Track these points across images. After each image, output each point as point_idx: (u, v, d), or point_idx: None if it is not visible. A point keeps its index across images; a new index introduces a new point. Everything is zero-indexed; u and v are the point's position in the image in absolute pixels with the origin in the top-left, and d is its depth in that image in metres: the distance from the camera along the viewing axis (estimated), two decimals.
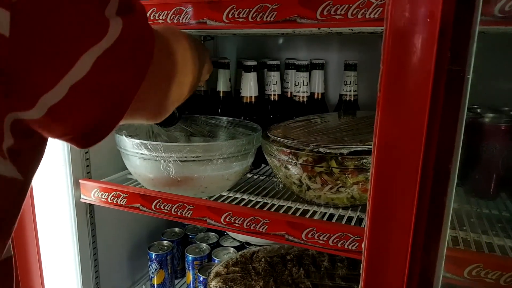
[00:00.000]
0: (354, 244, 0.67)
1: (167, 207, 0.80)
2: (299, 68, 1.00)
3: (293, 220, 0.71)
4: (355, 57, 1.07)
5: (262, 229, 0.73)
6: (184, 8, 0.70)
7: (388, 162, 0.47)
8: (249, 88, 1.00)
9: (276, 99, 1.04)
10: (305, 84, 1.01)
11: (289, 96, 1.07)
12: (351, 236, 0.66)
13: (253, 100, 1.01)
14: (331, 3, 0.60)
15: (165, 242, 1.06)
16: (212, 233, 1.11)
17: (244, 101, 1.02)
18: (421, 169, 0.46)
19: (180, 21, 0.71)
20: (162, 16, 0.72)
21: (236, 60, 1.19)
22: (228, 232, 1.09)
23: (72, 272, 0.93)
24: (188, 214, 0.79)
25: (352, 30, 0.84)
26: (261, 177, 1.00)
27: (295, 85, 1.02)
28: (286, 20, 0.63)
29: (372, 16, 0.59)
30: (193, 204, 0.78)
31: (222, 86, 1.08)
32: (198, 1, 0.68)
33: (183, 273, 1.12)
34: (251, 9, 0.65)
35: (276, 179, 0.98)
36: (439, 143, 0.45)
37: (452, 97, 0.45)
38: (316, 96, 1.04)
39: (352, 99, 1.01)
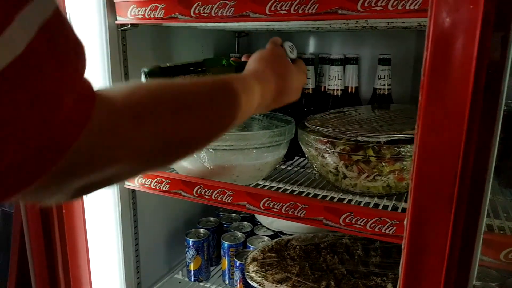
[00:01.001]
0: (392, 229, 0.69)
1: (208, 193, 0.84)
2: (333, 62, 1.03)
3: (331, 205, 0.73)
4: (387, 53, 1.09)
5: (300, 214, 0.76)
6: (228, 2, 0.73)
7: (430, 148, 0.49)
8: None
9: (311, 92, 1.06)
10: (339, 78, 1.03)
11: (323, 90, 1.10)
12: (389, 220, 0.69)
13: None
14: None
15: (201, 230, 1.10)
16: (246, 223, 1.14)
17: None
18: (462, 156, 0.48)
19: (224, 14, 0.74)
20: (207, 10, 0.76)
21: None
22: (262, 222, 1.13)
23: (115, 256, 0.97)
24: (228, 200, 0.83)
25: (388, 23, 0.87)
26: (295, 169, 1.03)
27: (329, 78, 1.04)
28: (327, 11, 0.66)
29: (412, 7, 0.61)
30: (233, 190, 0.82)
31: None
32: None
33: (217, 261, 1.16)
34: (293, 2, 0.68)
35: (310, 170, 1.01)
36: (479, 131, 0.47)
37: (492, 89, 0.47)
38: (350, 90, 1.06)
39: (386, 93, 1.03)
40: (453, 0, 0.44)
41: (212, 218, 1.16)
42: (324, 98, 1.07)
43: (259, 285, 0.83)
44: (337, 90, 1.04)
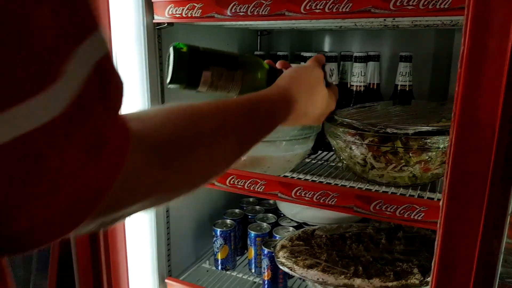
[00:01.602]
0: (420, 215, 0.73)
1: (241, 183, 0.89)
2: (356, 59, 1.07)
3: (362, 193, 0.77)
4: (406, 50, 1.13)
5: (332, 202, 0.80)
6: (264, 2, 0.78)
7: (466, 134, 0.54)
8: None
9: None
10: (362, 75, 1.07)
11: (344, 86, 1.14)
12: (417, 207, 0.73)
13: None
14: None
15: (228, 221, 1.14)
16: (270, 214, 1.19)
17: None
18: (496, 142, 0.52)
19: (260, 13, 0.79)
20: (243, 9, 0.80)
21: (289, 54, 1.27)
22: (286, 213, 1.17)
23: (149, 246, 1.02)
24: (260, 189, 0.87)
25: (412, 22, 0.91)
26: (319, 162, 1.08)
27: (352, 75, 1.09)
28: (361, 10, 0.70)
29: (442, 6, 0.65)
30: (265, 179, 0.86)
31: None
32: None
33: (242, 251, 1.20)
34: (327, 1, 0.72)
35: (333, 164, 1.05)
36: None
37: None
38: (371, 86, 1.11)
39: (407, 89, 1.07)
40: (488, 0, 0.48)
41: (237, 210, 1.21)
42: (347, 94, 1.11)
43: (290, 269, 0.87)
44: (360, 86, 1.08)
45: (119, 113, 0.29)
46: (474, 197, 0.54)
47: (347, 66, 1.13)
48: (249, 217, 1.19)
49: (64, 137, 0.24)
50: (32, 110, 0.22)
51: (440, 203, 0.57)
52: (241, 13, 0.81)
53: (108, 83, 0.27)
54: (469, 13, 0.49)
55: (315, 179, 0.93)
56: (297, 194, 0.83)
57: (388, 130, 0.78)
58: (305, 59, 1.06)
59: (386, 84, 1.19)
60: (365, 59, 1.07)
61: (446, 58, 1.16)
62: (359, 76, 1.08)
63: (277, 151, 0.89)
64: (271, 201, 1.27)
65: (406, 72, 1.07)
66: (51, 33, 0.23)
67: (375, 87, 1.11)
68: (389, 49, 1.23)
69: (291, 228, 1.10)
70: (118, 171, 0.28)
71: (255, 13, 0.79)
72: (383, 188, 0.85)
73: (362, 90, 1.09)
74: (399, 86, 1.08)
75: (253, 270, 1.12)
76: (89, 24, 0.25)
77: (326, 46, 1.32)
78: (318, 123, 0.73)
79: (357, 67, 1.07)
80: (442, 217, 0.56)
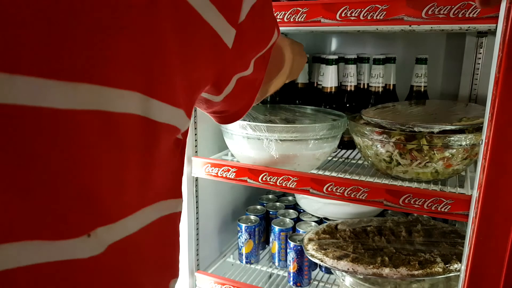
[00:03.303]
0: (447, 207, 0.79)
1: (273, 179, 0.94)
2: (375, 61, 1.13)
3: (391, 188, 0.83)
4: (418, 53, 1.19)
5: (362, 196, 0.86)
6: (300, 9, 0.83)
7: (504, 132, 0.59)
8: (330, 79, 1.13)
9: (353, 89, 1.16)
10: (381, 76, 1.13)
11: (362, 87, 1.20)
12: (444, 200, 0.79)
13: (333, 90, 1.14)
14: (435, 4, 0.72)
15: (252, 217, 1.19)
16: (291, 210, 1.24)
17: (325, 91, 1.15)
18: None
19: (296, 20, 0.84)
20: (280, 16, 0.85)
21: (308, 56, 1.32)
22: (307, 209, 1.22)
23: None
24: (292, 185, 0.92)
25: (431, 27, 0.97)
26: (340, 160, 1.13)
27: (371, 76, 1.14)
28: (394, 18, 0.76)
29: (471, 15, 0.71)
30: (297, 176, 0.91)
31: (301, 78, 1.22)
32: (314, 2, 0.81)
33: (264, 245, 1.25)
34: (362, 9, 0.78)
35: (354, 161, 1.11)
36: None
37: None
38: (388, 87, 1.17)
39: (422, 90, 1.13)
40: None
41: (259, 207, 1.26)
42: (365, 95, 1.17)
43: (321, 261, 0.93)
44: (378, 87, 1.14)
45: None
46: (508, 189, 0.60)
47: (364, 68, 1.19)
48: (270, 213, 1.24)
49: None
50: None
51: (475, 195, 0.62)
52: (278, 19, 0.85)
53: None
54: (508, 24, 0.55)
55: (340, 175, 0.98)
56: (329, 189, 0.89)
57: (416, 128, 0.84)
58: (329, 61, 1.11)
59: (400, 85, 1.25)
60: (383, 61, 1.13)
61: (456, 59, 1.22)
62: (377, 77, 1.13)
63: (307, 149, 0.94)
64: (290, 198, 1.33)
65: (421, 74, 1.13)
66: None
67: (391, 88, 1.17)
68: (403, 51, 1.29)
69: (313, 223, 1.15)
70: None
71: (291, 20, 0.84)
72: (407, 184, 0.91)
73: (380, 91, 1.15)
74: (414, 87, 1.14)
75: (276, 264, 1.17)
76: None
77: (341, 48, 1.37)
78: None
79: (376, 69, 1.13)
80: (479, 207, 0.62)
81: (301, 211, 1.25)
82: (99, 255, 0.29)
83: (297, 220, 1.19)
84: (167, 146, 0.35)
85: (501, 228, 0.62)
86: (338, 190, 0.88)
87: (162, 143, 0.34)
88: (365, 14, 0.78)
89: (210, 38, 0.37)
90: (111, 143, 0.29)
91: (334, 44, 1.39)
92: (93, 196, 0.28)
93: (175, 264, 0.42)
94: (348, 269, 0.90)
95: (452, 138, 0.84)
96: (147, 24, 0.30)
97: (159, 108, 0.32)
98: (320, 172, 1.00)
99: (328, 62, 1.12)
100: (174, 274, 0.42)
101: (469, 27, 0.72)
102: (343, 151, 1.19)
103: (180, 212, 0.42)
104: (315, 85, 1.25)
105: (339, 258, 0.92)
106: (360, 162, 1.09)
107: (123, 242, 0.31)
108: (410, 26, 0.87)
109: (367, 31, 1.21)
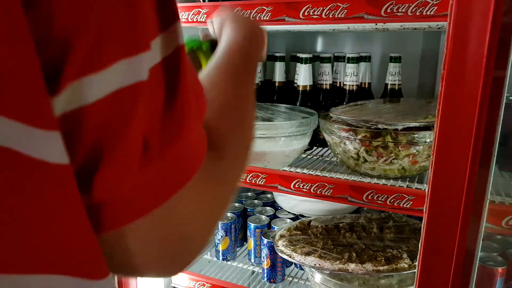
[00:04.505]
0: (409, 203, 0.80)
1: (243, 176, 0.95)
2: (349, 60, 1.14)
3: (356, 184, 0.84)
4: (395, 52, 1.20)
5: (328, 193, 0.87)
6: (265, 8, 0.84)
7: (449, 130, 0.60)
8: (304, 78, 1.14)
9: (328, 88, 1.17)
10: (354, 75, 1.14)
11: (337, 85, 1.20)
12: (406, 196, 0.80)
13: (307, 88, 1.15)
14: (393, 3, 0.73)
15: (228, 214, 1.20)
16: (268, 208, 1.25)
17: (299, 89, 1.16)
18: (474, 136, 0.59)
19: (262, 18, 0.85)
20: (246, 15, 0.86)
21: (286, 54, 1.33)
22: (283, 206, 1.23)
23: None
24: (261, 182, 0.93)
25: (401, 26, 0.98)
26: (315, 157, 1.14)
27: (345, 75, 1.15)
28: (355, 16, 0.77)
29: (428, 13, 0.72)
30: (266, 173, 0.93)
31: (278, 77, 1.23)
32: (278, 1, 0.82)
33: (242, 243, 1.26)
34: (324, 8, 0.79)
35: (328, 159, 1.12)
36: (487, 117, 0.59)
37: (497, 82, 0.58)
38: (363, 85, 1.18)
39: (396, 88, 1.14)
40: (468, 10, 0.55)
41: (237, 204, 1.27)
42: (340, 93, 1.18)
43: (289, 257, 0.94)
44: (353, 85, 1.15)
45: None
46: (455, 185, 0.61)
47: (340, 67, 1.20)
48: (248, 210, 1.25)
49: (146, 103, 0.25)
50: (125, 69, 0.24)
51: (426, 191, 0.63)
52: None
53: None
54: (451, 21, 0.56)
55: (311, 172, 0.99)
56: (296, 186, 0.90)
57: (379, 126, 0.85)
58: (304, 60, 1.12)
59: (377, 83, 1.26)
60: (357, 60, 1.14)
61: (433, 58, 1.23)
62: (351, 76, 1.14)
63: (277, 147, 0.95)
64: (269, 195, 1.34)
65: (395, 72, 1.14)
66: (150, 9, 0.26)
67: (366, 86, 1.18)
68: (379, 50, 1.30)
69: (288, 220, 1.16)
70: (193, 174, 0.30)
71: (257, 18, 0.85)
72: (375, 180, 0.92)
73: (354, 89, 1.16)
74: (389, 85, 1.15)
75: (252, 260, 1.18)
76: (174, 14, 0.28)
77: (320, 47, 1.38)
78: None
79: (350, 68, 1.14)
80: (427, 203, 0.63)
81: (278, 208, 1.26)
82: None
83: (273, 217, 1.20)
84: None
85: (449, 223, 0.63)
86: (304, 187, 0.89)
87: None
88: (327, 13, 0.79)
89: None
90: None
91: (313, 44, 1.40)
92: None
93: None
94: (315, 264, 0.91)
95: (416, 135, 0.85)
96: None
97: None
98: (292, 170, 1.02)
99: (302, 60, 1.13)
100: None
101: (427, 24, 0.73)
102: (319, 148, 1.20)
103: None
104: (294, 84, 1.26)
105: (307, 254, 0.93)
106: (334, 159, 1.10)
107: None
108: (375, 24, 0.89)
109: (342, 30, 1.22)
